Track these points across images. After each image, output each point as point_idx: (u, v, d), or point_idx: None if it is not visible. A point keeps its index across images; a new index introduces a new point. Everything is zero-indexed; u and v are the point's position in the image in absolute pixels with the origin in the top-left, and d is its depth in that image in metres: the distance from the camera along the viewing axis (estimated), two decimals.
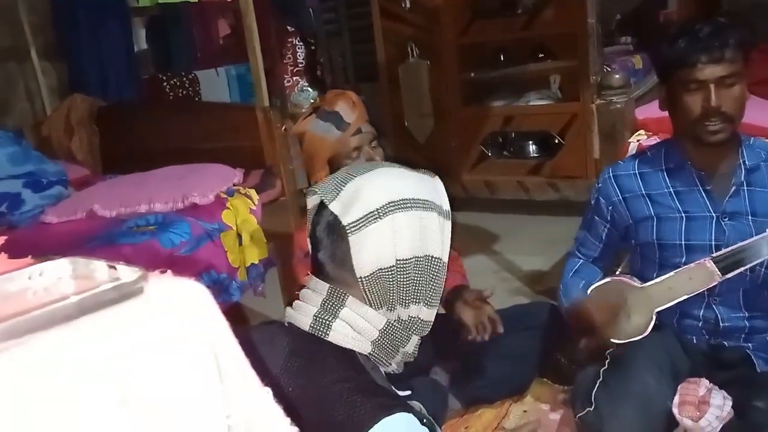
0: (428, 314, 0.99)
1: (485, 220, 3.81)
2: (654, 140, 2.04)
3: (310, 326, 0.94)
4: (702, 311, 1.59)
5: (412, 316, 0.97)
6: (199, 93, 3.72)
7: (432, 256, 0.96)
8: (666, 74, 1.55)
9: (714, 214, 1.56)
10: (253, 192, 2.18)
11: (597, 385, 1.55)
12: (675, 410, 1.47)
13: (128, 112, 3.00)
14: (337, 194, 0.94)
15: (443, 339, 1.91)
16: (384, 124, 4.33)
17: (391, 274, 0.93)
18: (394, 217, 0.93)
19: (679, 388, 1.51)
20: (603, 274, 1.78)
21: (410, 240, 0.94)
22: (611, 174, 1.71)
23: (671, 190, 1.62)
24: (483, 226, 3.73)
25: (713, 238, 1.55)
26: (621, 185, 1.68)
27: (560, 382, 1.90)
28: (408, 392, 1.04)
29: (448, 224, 0.99)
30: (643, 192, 1.64)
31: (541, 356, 1.89)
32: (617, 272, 1.81)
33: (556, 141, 3.67)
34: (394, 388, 0.99)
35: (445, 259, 0.98)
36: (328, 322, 0.94)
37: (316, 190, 0.97)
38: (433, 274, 0.96)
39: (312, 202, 0.99)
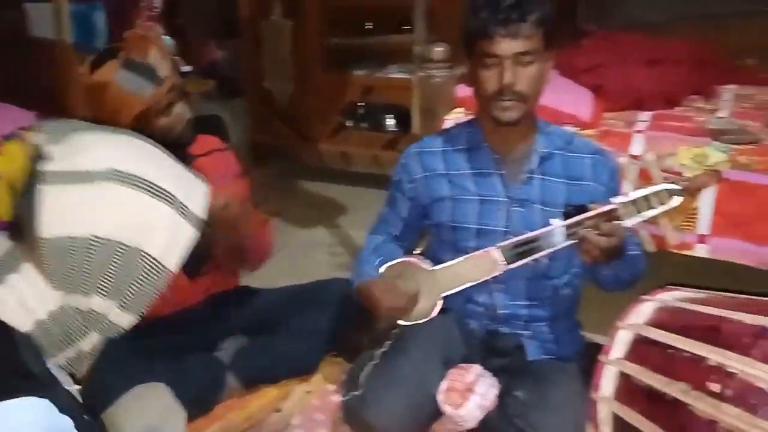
0: (119, 317, 0.83)
1: (338, 192, 3.72)
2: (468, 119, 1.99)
3: None
4: (485, 297, 1.55)
5: (94, 311, 0.81)
6: (27, 30, 3.32)
7: (146, 254, 0.80)
8: (468, 47, 1.48)
9: (506, 200, 1.52)
10: None
11: (368, 367, 1.48)
12: (439, 397, 1.43)
13: None
14: (62, 138, 0.77)
15: (231, 314, 1.80)
16: (244, 83, 4.13)
17: (80, 249, 0.77)
18: (111, 186, 0.77)
19: (448, 373, 1.47)
20: (403, 254, 1.71)
21: (121, 221, 0.78)
22: (415, 151, 1.64)
23: (470, 171, 1.56)
24: (333, 198, 3.64)
25: (505, 224, 1.51)
26: (424, 163, 1.61)
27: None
28: (75, 387, 0.90)
29: (189, 232, 0.83)
30: (444, 171, 1.58)
31: (334, 334, 1.81)
32: (416, 252, 1.75)
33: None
34: (59, 373, 0.84)
35: (171, 267, 0.82)
36: None
37: (41, 128, 0.80)
38: (141, 275, 0.81)
39: (37, 139, 0.81)
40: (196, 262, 1.58)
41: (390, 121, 3.82)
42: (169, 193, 0.82)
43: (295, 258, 2.63)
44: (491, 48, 1.40)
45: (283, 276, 2.07)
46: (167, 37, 4.22)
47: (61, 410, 0.77)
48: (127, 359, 1.53)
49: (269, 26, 3.81)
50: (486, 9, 1.40)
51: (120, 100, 1.53)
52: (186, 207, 0.83)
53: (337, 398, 1.69)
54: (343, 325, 1.82)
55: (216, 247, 1.57)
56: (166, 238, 0.82)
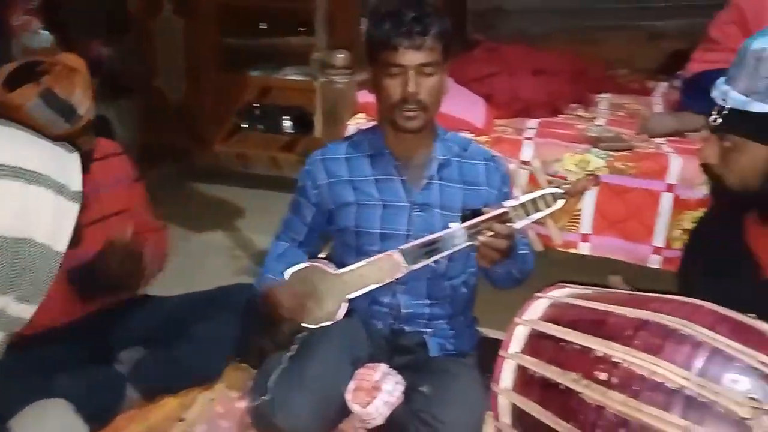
0: (21, 310, 0.80)
1: (235, 195, 3.66)
2: (371, 125, 2.05)
3: None
4: (389, 298, 1.60)
5: None
6: None
7: (33, 241, 0.77)
8: (371, 56, 1.53)
9: (408, 204, 1.57)
10: None
11: (276, 372, 1.49)
12: (347, 396, 1.47)
13: None
14: None
15: (129, 324, 1.75)
16: (134, 82, 3.96)
17: None
18: None
19: (356, 373, 1.51)
20: (307, 258, 1.72)
21: (4, 215, 0.75)
22: (319, 157, 1.67)
23: (373, 177, 1.61)
24: (231, 201, 3.58)
25: (407, 228, 1.57)
26: (328, 169, 1.64)
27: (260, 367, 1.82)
28: None
29: (73, 207, 0.81)
30: (348, 177, 1.62)
31: (238, 340, 1.79)
32: (321, 256, 1.77)
33: (313, 119, 3.63)
34: None
35: (59, 248, 0.80)
36: None
37: None
38: (33, 263, 0.78)
39: None
40: (91, 286, 1.59)
41: (287, 123, 3.80)
42: (43, 175, 0.80)
43: (193, 263, 2.57)
44: (395, 58, 1.45)
45: (180, 282, 2.02)
46: (46, 32, 3.97)
47: None
48: (23, 373, 1.46)
49: (160, 23, 3.68)
50: (388, 21, 1.46)
51: (26, 123, 1.45)
52: (63, 185, 0.82)
53: (241, 405, 1.69)
54: (247, 331, 1.81)
55: (111, 275, 1.59)
56: (51, 220, 0.80)
